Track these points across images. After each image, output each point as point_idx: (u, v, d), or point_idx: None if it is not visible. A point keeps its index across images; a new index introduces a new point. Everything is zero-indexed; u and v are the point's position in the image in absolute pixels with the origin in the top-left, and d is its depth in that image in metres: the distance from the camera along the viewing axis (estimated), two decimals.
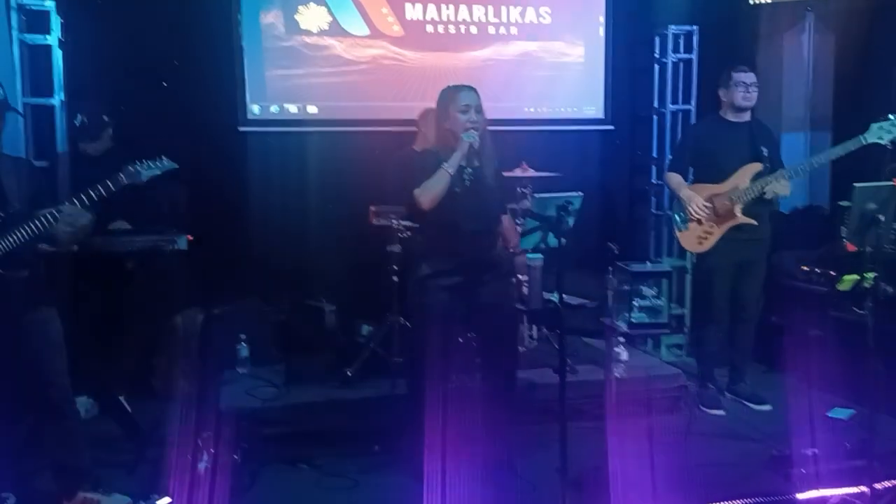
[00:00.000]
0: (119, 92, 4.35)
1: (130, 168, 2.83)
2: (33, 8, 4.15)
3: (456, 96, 3.19)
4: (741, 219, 3.95)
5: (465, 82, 3.30)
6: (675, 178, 4.11)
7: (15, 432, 3.23)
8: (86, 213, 2.76)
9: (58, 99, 4.21)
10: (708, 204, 3.97)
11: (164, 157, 2.90)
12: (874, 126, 3.72)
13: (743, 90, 3.96)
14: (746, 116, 4.05)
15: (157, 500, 3.03)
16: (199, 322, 4.32)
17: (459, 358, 3.53)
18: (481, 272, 3.26)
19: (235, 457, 3.25)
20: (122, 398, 3.85)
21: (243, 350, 4.23)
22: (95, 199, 2.76)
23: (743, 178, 3.94)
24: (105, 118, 3.83)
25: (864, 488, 3.02)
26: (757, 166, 3.93)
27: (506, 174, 3.89)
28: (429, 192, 3.11)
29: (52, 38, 4.18)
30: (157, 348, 4.27)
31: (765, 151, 3.93)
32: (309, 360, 4.27)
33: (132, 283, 3.80)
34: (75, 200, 2.74)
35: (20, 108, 4.08)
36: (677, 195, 4.08)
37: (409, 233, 4.03)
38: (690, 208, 3.97)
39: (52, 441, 2.99)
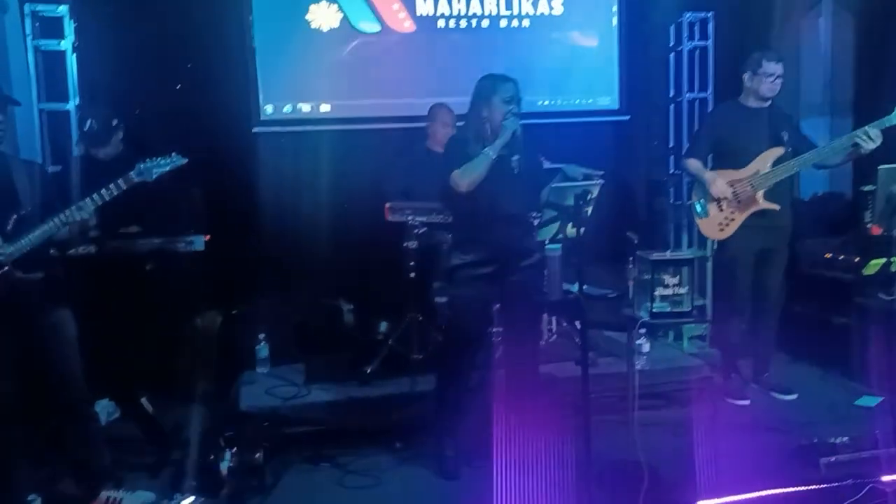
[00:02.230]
0: (133, 95, 4.36)
1: (140, 165, 2.84)
2: (46, 14, 4.18)
3: (499, 87, 3.21)
4: (764, 204, 3.89)
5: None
6: (694, 163, 4.06)
7: (38, 435, 3.26)
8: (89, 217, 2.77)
9: (73, 104, 4.24)
10: (730, 188, 3.91)
11: (173, 154, 2.91)
12: None
13: (770, 80, 3.91)
14: (767, 102, 3.99)
15: (182, 500, 3.04)
16: (218, 323, 4.33)
17: (486, 349, 3.52)
18: (512, 261, 3.24)
19: (257, 456, 3.24)
20: (144, 400, 3.85)
21: (263, 350, 4.23)
22: (107, 198, 2.77)
23: (764, 162, 3.88)
24: (114, 122, 3.83)
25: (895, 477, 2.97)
26: (778, 151, 3.88)
27: None
28: (469, 175, 3.13)
29: (66, 44, 4.21)
30: (177, 350, 4.28)
31: (785, 136, 3.87)
32: (328, 358, 4.26)
33: (151, 284, 3.80)
34: (88, 201, 2.75)
35: (35, 114, 4.13)
36: (700, 178, 4.02)
37: (425, 228, 4.02)
38: (714, 189, 3.91)
39: (72, 442, 3.02)
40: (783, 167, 3.85)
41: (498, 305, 3.39)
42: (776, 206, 3.92)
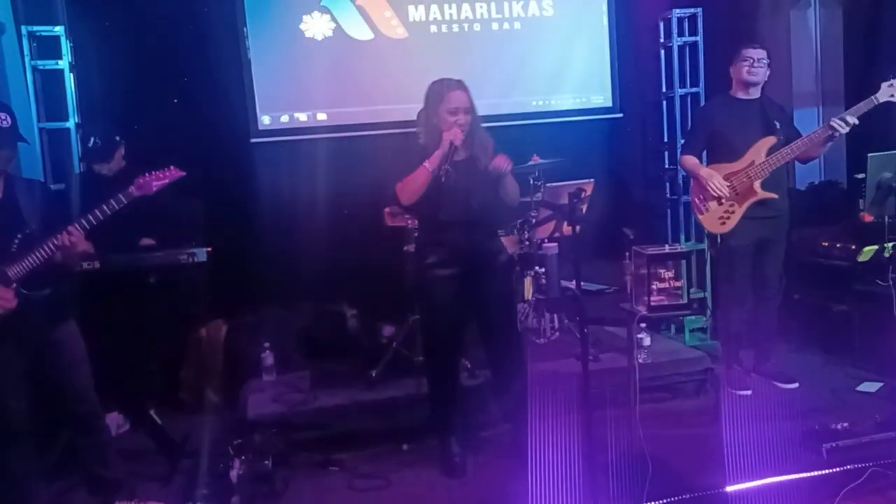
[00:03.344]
0: (131, 111, 4.41)
1: (140, 180, 2.88)
2: (43, 34, 4.23)
3: (445, 96, 3.18)
4: (762, 194, 3.91)
5: (452, 77, 3.25)
6: (689, 161, 4.09)
7: (50, 449, 3.30)
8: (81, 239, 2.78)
9: (72, 122, 4.29)
10: (726, 182, 3.94)
11: (171, 166, 2.94)
12: (884, 85, 3.69)
13: (748, 65, 3.94)
14: (756, 93, 4.03)
15: None
16: (223, 333, 4.37)
17: (462, 348, 3.56)
18: (473, 264, 3.27)
19: (266, 462, 3.28)
20: (152, 412, 3.89)
21: (268, 358, 4.26)
22: (109, 213, 2.81)
23: (758, 152, 3.91)
24: (117, 138, 3.89)
25: None
26: (771, 140, 3.90)
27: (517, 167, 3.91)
28: (407, 188, 3.16)
29: (64, 63, 4.26)
30: (183, 361, 4.32)
31: (777, 125, 3.91)
32: (333, 364, 4.30)
33: (155, 297, 3.85)
34: (91, 217, 2.78)
35: (36, 133, 4.18)
36: (695, 175, 4.05)
37: None
38: (711, 185, 3.94)
39: (84, 456, 3.05)
40: (777, 156, 3.88)
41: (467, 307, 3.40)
42: (775, 195, 3.94)
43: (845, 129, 3.72)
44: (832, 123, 3.74)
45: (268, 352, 4.27)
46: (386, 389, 3.92)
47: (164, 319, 3.98)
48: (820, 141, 3.85)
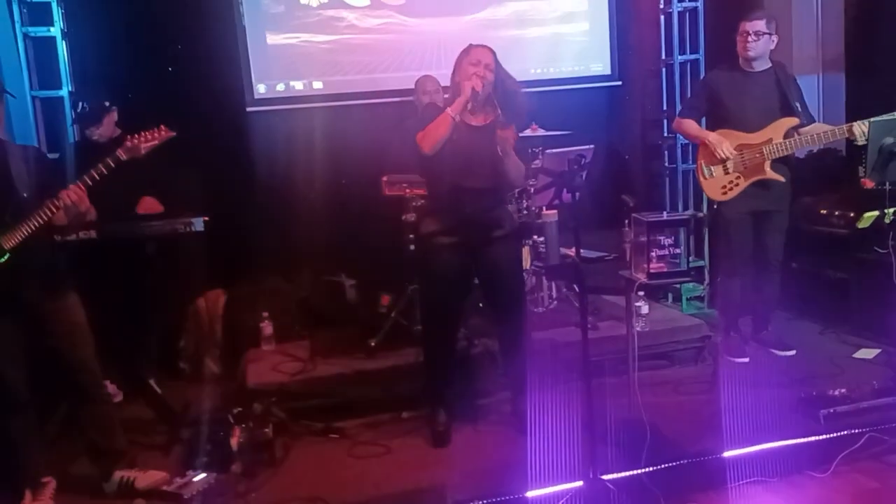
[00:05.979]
0: (125, 79, 4.35)
1: (128, 143, 2.83)
2: (34, 0, 4.15)
3: (470, 51, 3.25)
4: (769, 174, 3.87)
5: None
6: (692, 125, 4.05)
7: (52, 418, 3.31)
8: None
9: (66, 90, 4.24)
10: (735, 151, 3.91)
11: (161, 127, 2.89)
12: None
13: (743, 40, 3.89)
14: (761, 65, 3.96)
15: (193, 477, 3.09)
16: (221, 302, 4.37)
17: (461, 320, 3.55)
18: (482, 231, 3.26)
19: (267, 431, 3.29)
20: (151, 381, 3.89)
21: (267, 328, 4.26)
22: (98, 178, 2.77)
23: (777, 131, 3.85)
24: (106, 103, 3.82)
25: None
26: (793, 121, 3.85)
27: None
28: (430, 135, 3.13)
29: (56, 30, 4.20)
30: (182, 331, 4.32)
31: (798, 107, 3.85)
32: (333, 334, 4.31)
33: (153, 267, 3.83)
34: (79, 183, 2.74)
35: (28, 102, 4.13)
36: (702, 139, 3.99)
37: (422, 201, 4.03)
38: (720, 150, 3.89)
39: (86, 425, 3.05)
40: (795, 141, 3.83)
41: (474, 275, 3.40)
42: (782, 178, 3.90)
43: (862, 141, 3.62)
44: (854, 130, 3.67)
45: (267, 321, 4.27)
46: (385, 358, 3.93)
47: (162, 289, 3.96)
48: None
